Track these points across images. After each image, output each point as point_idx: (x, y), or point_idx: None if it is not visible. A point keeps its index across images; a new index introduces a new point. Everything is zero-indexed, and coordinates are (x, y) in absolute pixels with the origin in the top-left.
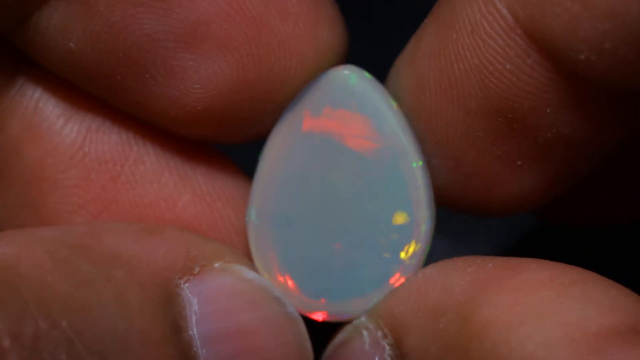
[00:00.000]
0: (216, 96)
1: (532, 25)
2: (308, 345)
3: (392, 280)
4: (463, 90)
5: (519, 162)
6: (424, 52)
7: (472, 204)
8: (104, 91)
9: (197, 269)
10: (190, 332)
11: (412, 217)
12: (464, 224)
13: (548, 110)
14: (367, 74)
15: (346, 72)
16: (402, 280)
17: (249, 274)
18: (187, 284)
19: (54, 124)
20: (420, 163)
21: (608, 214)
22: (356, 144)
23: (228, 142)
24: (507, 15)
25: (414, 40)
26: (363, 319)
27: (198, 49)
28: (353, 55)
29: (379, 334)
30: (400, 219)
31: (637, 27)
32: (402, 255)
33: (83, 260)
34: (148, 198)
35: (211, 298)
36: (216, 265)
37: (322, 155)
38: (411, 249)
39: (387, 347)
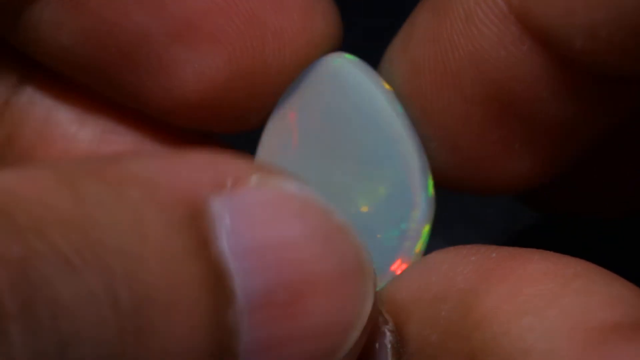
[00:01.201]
0: (210, 88)
1: (525, 13)
2: (365, 255)
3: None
4: (458, 76)
5: (515, 146)
6: (418, 38)
7: (470, 184)
8: (99, 84)
9: (229, 183)
10: (219, 245)
11: (410, 195)
12: (462, 224)
13: (543, 96)
14: (356, 59)
15: (335, 59)
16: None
17: (291, 185)
18: (218, 198)
19: (68, 129)
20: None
21: (604, 205)
22: (350, 128)
23: (226, 132)
24: (501, 2)
25: (408, 25)
26: None
27: (191, 43)
28: (345, 44)
29: (380, 319)
30: (398, 197)
31: (633, 14)
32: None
33: (93, 180)
34: None
35: (245, 211)
36: (253, 178)
37: (317, 140)
38: (413, 223)
39: (388, 334)
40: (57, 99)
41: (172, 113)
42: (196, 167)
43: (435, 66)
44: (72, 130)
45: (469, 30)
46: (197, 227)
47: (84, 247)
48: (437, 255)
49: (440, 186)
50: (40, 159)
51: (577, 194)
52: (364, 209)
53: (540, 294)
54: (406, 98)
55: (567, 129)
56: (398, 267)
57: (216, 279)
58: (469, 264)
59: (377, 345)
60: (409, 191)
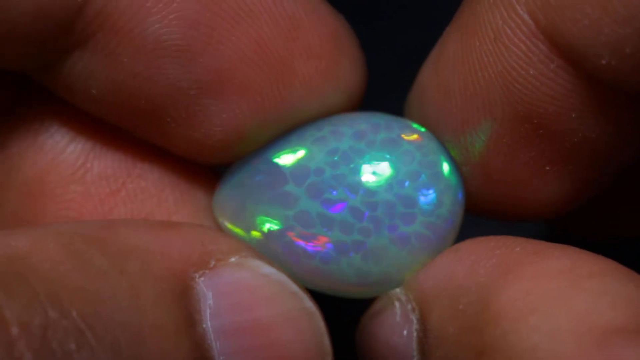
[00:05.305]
0: (236, 134)
1: (553, 31)
2: (326, 340)
3: None
4: (488, 97)
5: (546, 168)
6: (447, 60)
7: (501, 209)
8: (126, 127)
9: (212, 262)
10: (204, 325)
11: None
12: (466, 230)
13: (573, 115)
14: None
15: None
16: None
17: (266, 268)
18: (202, 278)
19: (58, 142)
20: None
21: (620, 227)
22: None
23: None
24: (529, 20)
25: (437, 48)
26: (397, 290)
27: (221, 94)
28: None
29: (409, 307)
30: None
31: None
32: None
33: (97, 252)
34: (144, 212)
35: (226, 292)
36: (232, 259)
37: None
38: None
39: (415, 322)
40: (51, 111)
41: (197, 155)
42: (186, 241)
43: (465, 87)
44: (62, 143)
45: (497, 50)
46: (185, 304)
47: (96, 322)
48: (466, 246)
49: (472, 213)
50: (27, 167)
51: (595, 218)
52: None
53: (552, 293)
54: (437, 122)
55: (597, 150)
56: None
57: (201, 357)
58: (493, 257)
59: (405, 332)
60: None
